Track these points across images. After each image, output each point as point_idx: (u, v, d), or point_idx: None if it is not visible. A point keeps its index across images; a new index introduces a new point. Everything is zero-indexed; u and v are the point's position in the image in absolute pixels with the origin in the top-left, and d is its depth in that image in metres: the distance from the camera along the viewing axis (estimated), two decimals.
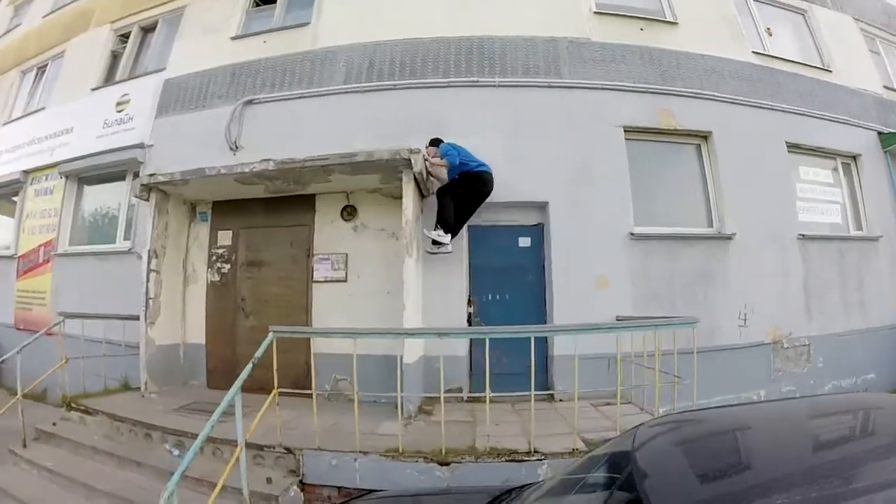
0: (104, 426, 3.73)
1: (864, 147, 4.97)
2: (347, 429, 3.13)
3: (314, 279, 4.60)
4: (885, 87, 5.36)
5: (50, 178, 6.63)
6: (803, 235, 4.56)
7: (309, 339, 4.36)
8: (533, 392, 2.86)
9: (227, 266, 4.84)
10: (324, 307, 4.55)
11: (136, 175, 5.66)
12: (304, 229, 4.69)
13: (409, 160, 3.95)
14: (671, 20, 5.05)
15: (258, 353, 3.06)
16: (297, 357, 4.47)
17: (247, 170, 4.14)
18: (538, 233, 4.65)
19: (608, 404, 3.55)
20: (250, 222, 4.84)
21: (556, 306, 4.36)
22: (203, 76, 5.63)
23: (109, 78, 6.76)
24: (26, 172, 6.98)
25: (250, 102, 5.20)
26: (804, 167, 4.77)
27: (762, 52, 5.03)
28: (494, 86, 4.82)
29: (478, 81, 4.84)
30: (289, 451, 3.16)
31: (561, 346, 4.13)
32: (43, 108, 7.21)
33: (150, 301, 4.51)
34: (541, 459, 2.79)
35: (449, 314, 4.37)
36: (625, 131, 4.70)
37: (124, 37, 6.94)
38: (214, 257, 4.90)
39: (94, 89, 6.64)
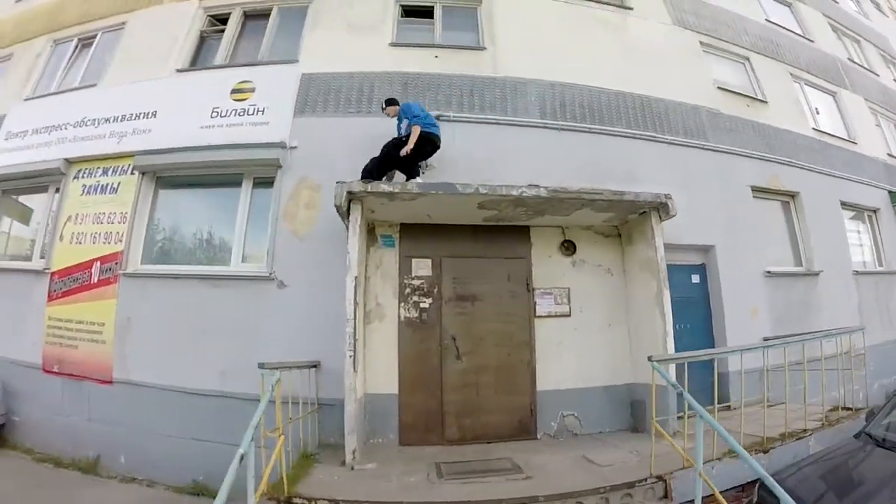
0: None
1: (881, 202, 5.40)
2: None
3: (536, 314, 3.27)
4: (889, 154, 5.79)
5: (113, 171, 3.86)
6: (857, 272, 4.79)
7: (533, 379, 3.13)
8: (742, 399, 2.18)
9: (428, 300, 3.18)
10: (546, 342, 3.26)
11: (256, 180, 3.57)
12: (523, 262, 3.32)
13: (667, 204, 2.98)
14: (763, 99, 4.89)
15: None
16: (521, 399, 3.14)
17: (515, 192, 2.68)
18: (703, 271, 4.06)
19: (770, 406, 3.07)
20: (454, 251, 3.26)
21: (727, 331, 3.82)
22: (361, 79, 3.77)
23: (199, 61, 4.22)
24: (69, 162, 4.01)
25: (438, 118, 3.55)
26: (847, 220, 5.06)
27: (816, 127, 5.17)
28: (666, 142, 4.09)
29: (655, 137, 4.05)
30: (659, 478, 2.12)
31: (732, 364, 3.59)
32: (93, 85, 4.24)
33: (356, 343, 2.67)
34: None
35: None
36: (751, 190, 4.38)
37: (216, 18, 4.41)
38: (409, 290, 3.19)
39: (180, 70, 4.06)
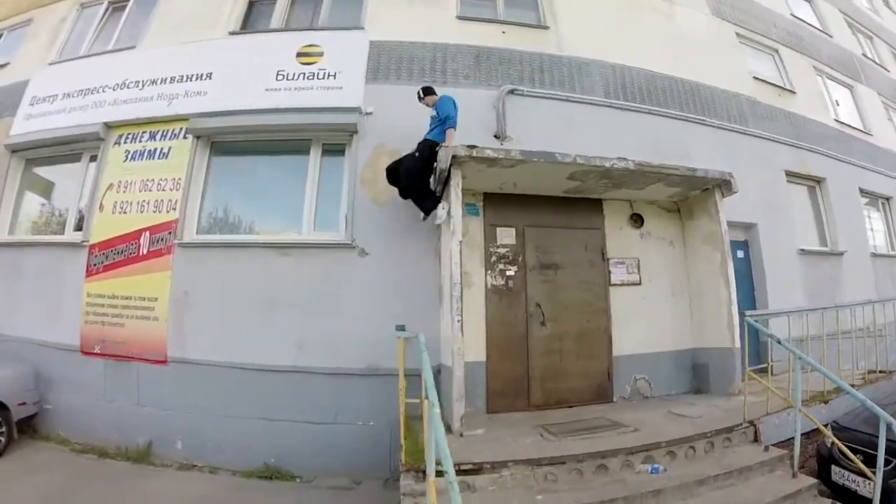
0: (524, 480, 2.34)
1: (894, 191, 6.41)
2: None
3: (611, 282, 3.79)
4: None
5: (162, 136, 4.01)
6: (873, 254, 5.74)
7: (610, 344, 3.66)
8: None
9: (513, 268, 3.62)
10: (620, 310, 3.80)
11: (325, 147, 3.89)
12: (598, 233, 3.85)
13: (730, 182, 3.63)
14: (791, 90, 5.76)
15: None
16: (599, 364, 3.66)
17: (607, 164, 3.19)
18: (746, 247, 4.79)
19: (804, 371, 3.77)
20: (536, 221, 3.73)
21: (769, 302, 4.56)
22: (432, 49, 4.18)
23: (249, 25, 4.42)
24: (109, 126, 4.12)
25: (513, 92, 4.00)
26: (864, 206, 6.02)
27: (837, 118, 6.11)
28: (714, 126, 4.79)
29: (704, 120, 4.75)
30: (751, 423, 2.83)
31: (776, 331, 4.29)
32: (131, 48, 4.38)
33: (461, 309, 3.02)
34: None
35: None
36: (785, 174, 5.19)
37: None
38: (495, 258, 3.61)
39: (233, 33, 4.26)
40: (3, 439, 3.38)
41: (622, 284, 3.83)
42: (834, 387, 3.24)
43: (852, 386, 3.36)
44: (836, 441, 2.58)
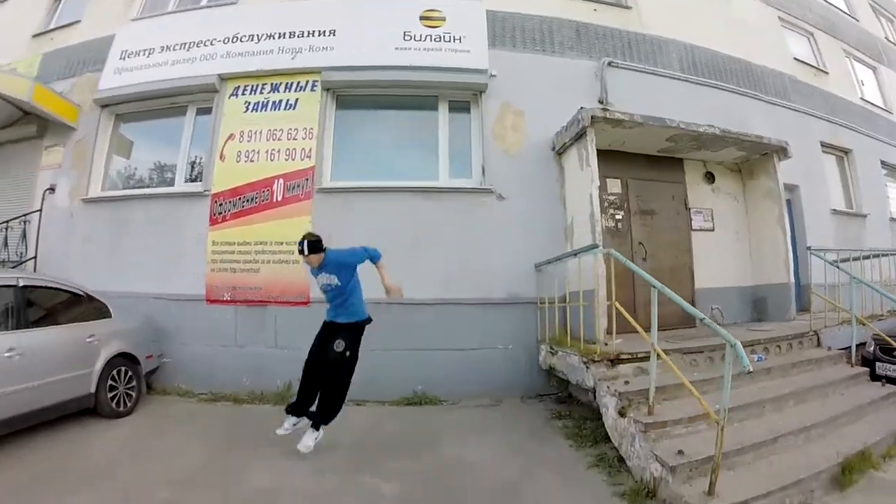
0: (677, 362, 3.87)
1: None
2: None
3: (692, 228, 5.61)
4: None
5: (286, 87, 5.29)
6: (892, 218, 8.21)
7: (692, 279, 5.42)
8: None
9: (621, 213, 5.31)
10: (698, 251, 5.68)
11: (451, 104, 5.34)
12: (681, 186, 5.69)
13: (786, 148, 5.61)
14: (824, 70, 8.01)
15: None
16: (685, 294, 5.43)
17: (700, 130, 5.02)
18: (789, 205, 6.86)
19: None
20: (636, 174, 5.48)
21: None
22: (541, 22, 5.82)
23: None
24: (223, 78, 5.33)
25: (610, 64, 5.66)
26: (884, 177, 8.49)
27: (863, 97, 8.54)
28: (765, 101, 6.84)
29: (757, 95, 6.79)
30: (815, 332, 4.71)
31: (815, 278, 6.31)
32: (232, 3, 5.65)
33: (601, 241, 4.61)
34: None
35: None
36: (820, 144, 7.35)
37: None
38: (606, 204, 5.29)
39: None
40: (133, 394, 4.29)
41: (700, 230, 5.70)
42: (868, 315, 5.16)
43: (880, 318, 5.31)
44: (883, 335, 4.45)
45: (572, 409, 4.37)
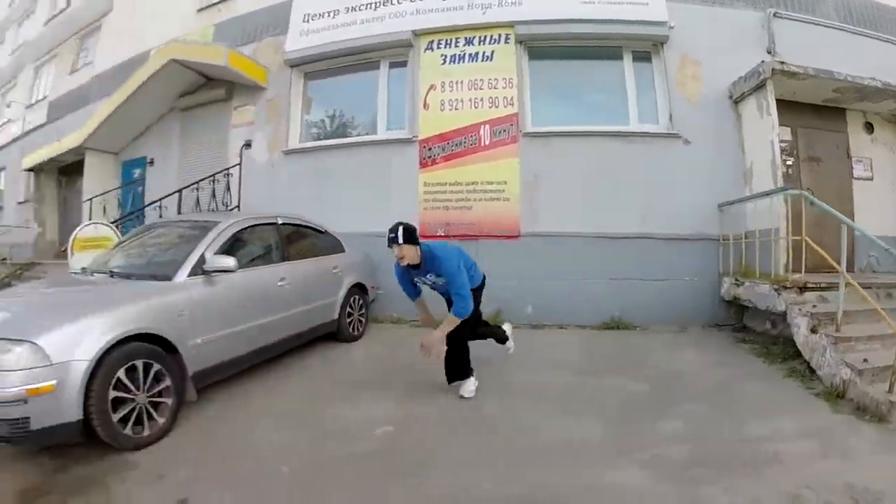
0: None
1: None
2: None
3: (853, 177, 6.54)
4: None
5: (480, 41, 6.21)
6: None
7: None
8: None
9: (791, 159, 6.24)
10: (859, 199, 6.59)
11: (636, 54, 6.25)
12: (843, 136, 6.61)
13: None
14: None
15: None
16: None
17: (865, 82, 5.88)
18: None
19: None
20: (803, 123, 6.39)
21: None
22: None
23: None
24: (416, 34, 6.31)
25: (775, 15, 6.54)
26: None
27: None
28: None
29: None
30: None
31: None
32: None
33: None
34: None
35: None
36: None
37: None
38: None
39: None
40: (364, 319, 5.36)
41: (860, 179, 6.64)
42: None
43: None
44: None
45: (751, 336, 5.26)
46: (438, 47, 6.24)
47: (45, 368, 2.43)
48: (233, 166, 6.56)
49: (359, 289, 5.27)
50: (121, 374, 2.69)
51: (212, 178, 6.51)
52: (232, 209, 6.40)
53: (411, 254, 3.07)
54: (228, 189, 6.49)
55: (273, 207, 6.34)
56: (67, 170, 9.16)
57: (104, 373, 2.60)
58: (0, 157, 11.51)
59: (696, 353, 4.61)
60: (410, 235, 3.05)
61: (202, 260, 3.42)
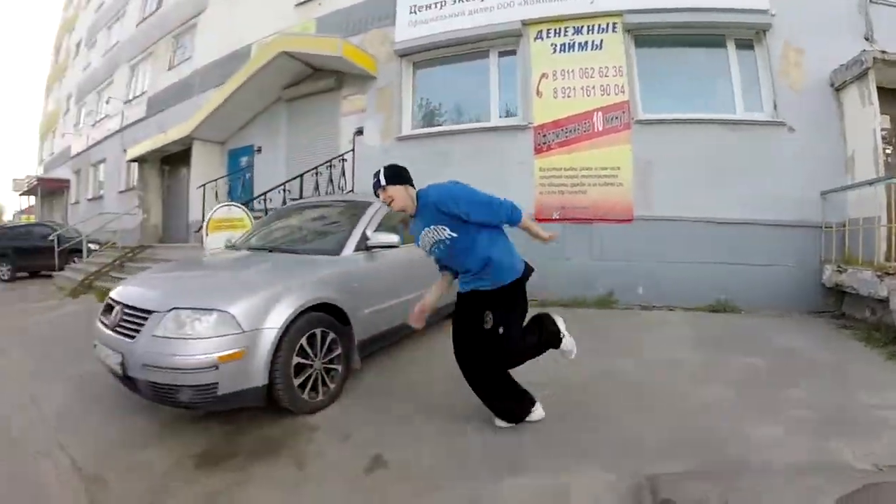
0: None
1: None
2: None
3: None
4: None
5: (588, 30, 6.44)
6: None
7: None
8: None
9: (890, 147, 6.35)
10: None
11: (739, 41, 6.41)
12: None
13: None
14: None
15: None
16: None
17: None
18: None
19: None
20: None
21: None
22: None
23: None
24: (525, 24, 6.59)
25: (872, 1, 6.66)
26: None
27: None
28: None
29: None
30: None
31: None
32: None
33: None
34: None
35: None
36: None
37: None
38: None
39: None
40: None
41: None
42: None
43: None
44: None
45: (851, 323, 5.34)
46: (548, 36, 6.51)
47: (236, 336, 2.53)
48: (346, 152, 6.93)
49: None
50: (303, 341, 2.85)
51: (328, 163, 6.89)
52: (347, 193, 6.76)
53: (400, 195, 2.42)
54: (343, 174, 6.86)
55: None
56: (170, 160, 9.74)
57: (290, 340, 2.75)
58: (100, 150, 12.23)
59: (802, 336, 4.78)
60: (397, 174, 2.46)
61: (364, 236, 3.64)
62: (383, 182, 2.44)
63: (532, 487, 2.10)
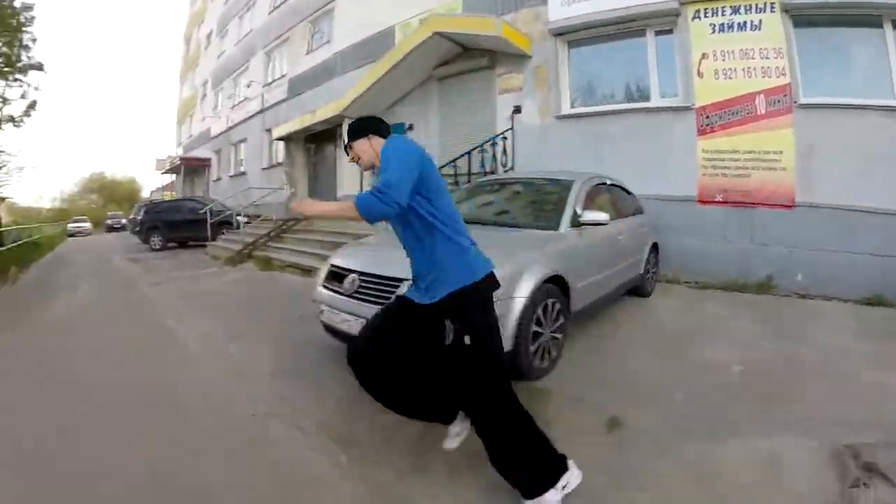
0: None
1: None
2: None
3: None
4: None
5: (746, 10, 6.57)
6: None
7: None
8: None
9: None
10: None
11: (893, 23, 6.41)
12: None
13: None
14: None
15: None
16: None
17: None
18: None
19: None
20: None
21: None
22: None
23: None
24: (681, 3, 6.82)
25: None
26: None
27: None
28: None
29: None
30: None
31: None
32: None
33: None
34: None
35: None
36: None
37: None
38: None
39: None
40: (654, 279, 5.81)
41: None
42: None
43: None
44: None
45: None
46: (706, 16, 6.76)
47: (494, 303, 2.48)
48: (506, 130, 7.48)
49: (654, 248, 5.84)
50: (539, 311, 3.02)
51: (492, 141, 7.45)
52: (507, 170, 7.35)
53: (364, 150, 2.00)
54: (505, 151, 7.43)
55: (549, 167, 7.24)
56: (315, 138, 10.55)
57: (531, 309, 2.92)
58: (241, 130, 13.32)
59: None
60: (360, 127, 2.01)
61: (576, 213, 3.88)
62: (346, 140, 2.08)
63: (748, 450, 2.34)
